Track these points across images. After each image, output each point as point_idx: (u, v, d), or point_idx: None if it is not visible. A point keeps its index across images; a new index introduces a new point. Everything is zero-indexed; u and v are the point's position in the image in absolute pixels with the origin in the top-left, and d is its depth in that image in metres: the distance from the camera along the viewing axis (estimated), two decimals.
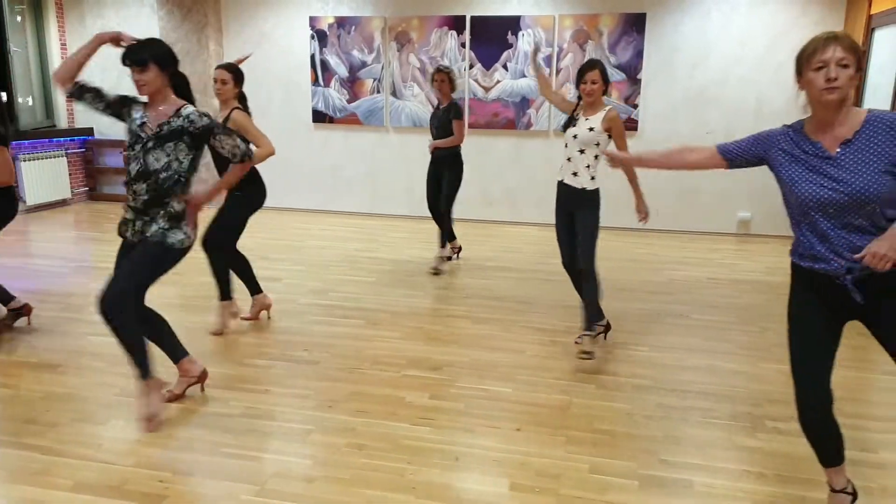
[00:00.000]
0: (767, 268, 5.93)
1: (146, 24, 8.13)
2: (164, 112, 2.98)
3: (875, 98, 5.85)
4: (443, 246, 5.79)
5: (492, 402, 3.35)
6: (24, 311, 4.29)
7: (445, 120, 5.50)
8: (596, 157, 3.82)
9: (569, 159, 3.89)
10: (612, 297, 4.83)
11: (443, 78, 5.42)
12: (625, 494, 2.60)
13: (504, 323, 4.47)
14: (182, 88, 3.10)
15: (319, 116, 7.93)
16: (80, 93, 3.03)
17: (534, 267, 5.86)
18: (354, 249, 6.39)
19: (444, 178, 5.69)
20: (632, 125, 7.08)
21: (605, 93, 3.94)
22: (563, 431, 3.07)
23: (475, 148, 7.15)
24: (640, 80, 7.05)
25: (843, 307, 2.17)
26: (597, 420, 3.18)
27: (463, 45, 7.35)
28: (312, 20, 7.72)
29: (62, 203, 8.38)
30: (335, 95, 7.83)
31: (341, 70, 7.75)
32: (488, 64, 7.31)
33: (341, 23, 7.64)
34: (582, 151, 3.83)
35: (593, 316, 3.93)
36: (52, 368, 3.68)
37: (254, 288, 4.41)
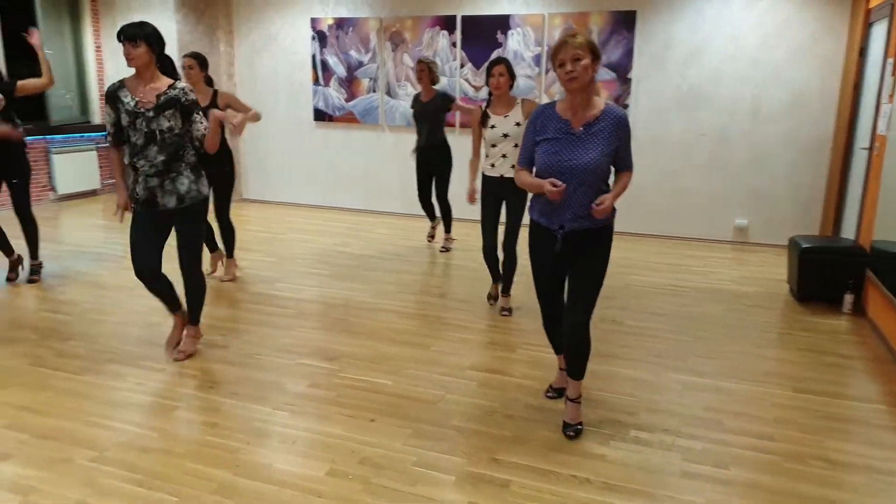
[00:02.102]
0: (742, 277, 5.68)
1: (166, 27, 8.57)
2: (157, 87, 3.38)
3: (871, 94, 5.48)
4: (448, 231, 6.28)
5: (364, 394, 3.40)
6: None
7: (436, 110, 5.66)
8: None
9: (504, 155, 4.28)
10: None
11: (422, 68, 5.56)
12: (433, 488, 2.60)
13: (429, 319, 4.49)
14: (168, 69, 3.49)
15: (320, 115, 8.14)
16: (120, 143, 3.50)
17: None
18: (329, 244, 6.54)
19: (435, 169, 5.89)
20: None
21: (511, 87, 4.15)
22: (415, 424, 3.08)
23: (466, 147, 7.15)
24: (630, 80, 6.88)
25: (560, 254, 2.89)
26: (457, 416, 3.17)
27: (454, 45, 7.38)
28: (314, 21, 7.94)
29: (92, 193, 8.94)
30: (334, 94, 8.01)
31: (340, 70, 7.93)
32: (479, 63, 7.31)
33: (340, 24, 7.82)
34: (516, 146, 4.16)
35: (509, 285, 4.60)
36: None
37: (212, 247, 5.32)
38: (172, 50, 8.57)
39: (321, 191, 8.38)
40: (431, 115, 5.80)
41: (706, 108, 6.76)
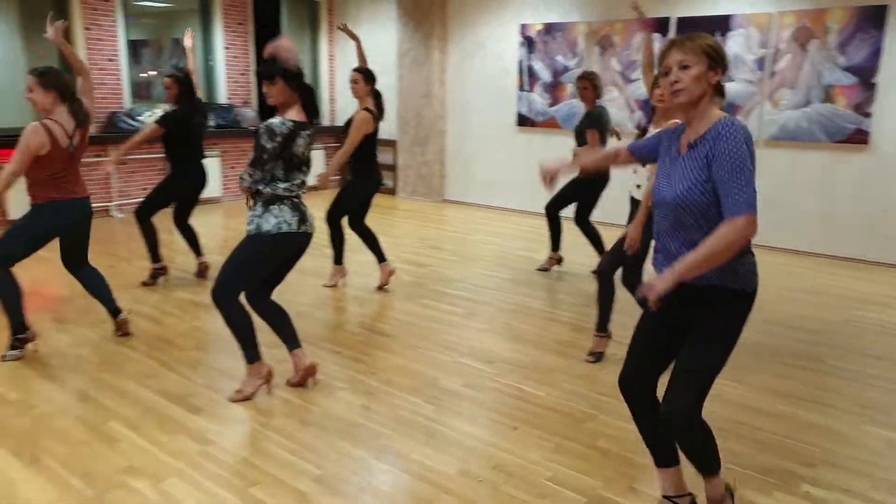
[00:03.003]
0: None
1: (389, 35, 9.21)
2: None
3: None
4: (601, 252, 5.61)
5: (514, 401, 3.37)
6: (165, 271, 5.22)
7: (581, 129, 5.28)
8: None
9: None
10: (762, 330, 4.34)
11: (585, 85, 5.24)
12: None
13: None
14: (308, 101, 3.29)
15: (523, 120, 8.21)
16: None
17: None
18: (515, 248, 6.57)
19: (578, 188, 5.42)
20: (861, 137, 6.10)
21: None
22: (558, 439, 2.99)
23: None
24: (875, 85, 6.02)
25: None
26: (603, 438, 3.03)
27: None
28: (523, 27, 8.03)
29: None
30: (538, 99, 8.03)
31: (545, 75, 7.93)
32: None
33: (548, 29, 7.82)
34: None
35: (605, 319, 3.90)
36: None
37: (379, 257, 5.10)
38: (391, 55, 9.19)
39: (519, 196, 8.45)
40: (579, 131, 5.37)
41: None
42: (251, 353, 3.35)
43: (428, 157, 8.96)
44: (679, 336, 2.19)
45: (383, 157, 9.67)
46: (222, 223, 7.70)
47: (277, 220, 3.20)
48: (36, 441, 2.89)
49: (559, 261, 5.79)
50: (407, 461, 2.80)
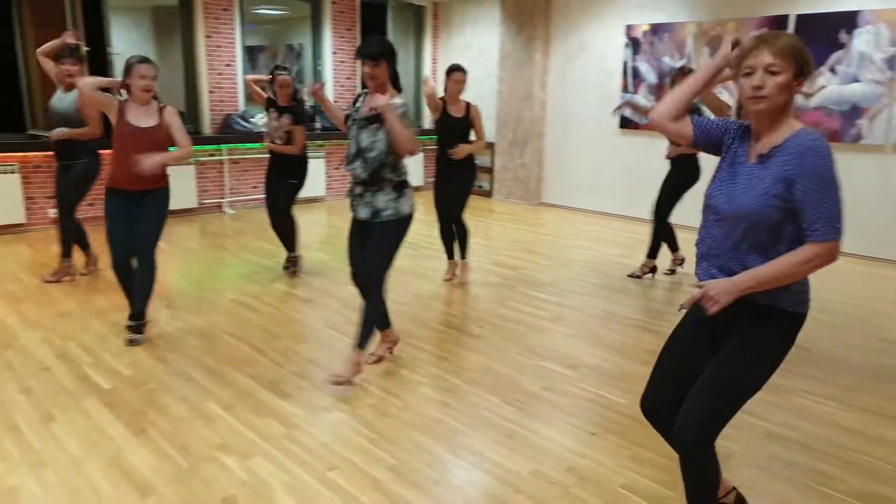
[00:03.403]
0: None
1: (491, 39, 9.27)
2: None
3: None
4: (675, 250, 5.72)
5: (594, 406, 3.32)
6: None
7: None
8: None
9: None
10: (879, 349, 4.08)
11: (679, 80, 5.12)
12: None
13: None
14: (395, 80, 3.45)
15: (625, 122, 8.03)
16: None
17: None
18: (611, 254, 6.44)
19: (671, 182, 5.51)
20: None
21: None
22: (636, 448, 2.93)
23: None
24: None
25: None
26: None
27: None
28: (628, 28, 7.85)
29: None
30: (643, 102, 7.83)
31: (651, 77, 7.72)
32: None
33: (655, 30, 7.61)
34: None
35: None
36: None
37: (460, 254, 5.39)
38: (493, 58, 9.25)
39: (619, 200, 8.27)
40: None
41: None
42: (385, 321, 3.74)
43: (526, 160, 8.94)
44: (713, 355, 2.03)
45: (481, 159, 9.76)
46: (325, 220, 8.01)
47: (410, 202, 3.49)
48: (144, 413, 3.14)
49: (653, 270, 5.62)
50: (481, 458, 2.83)
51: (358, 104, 3.47)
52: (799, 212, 1.82)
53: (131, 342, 3.97)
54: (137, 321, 4.03)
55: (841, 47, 6.34)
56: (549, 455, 2.86)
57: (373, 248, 3.47)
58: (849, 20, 6.26)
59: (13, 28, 6.88)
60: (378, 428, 3.06)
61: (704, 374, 2.00)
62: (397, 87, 3.42)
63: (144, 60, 3.83)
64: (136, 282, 3.99)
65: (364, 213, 3.43)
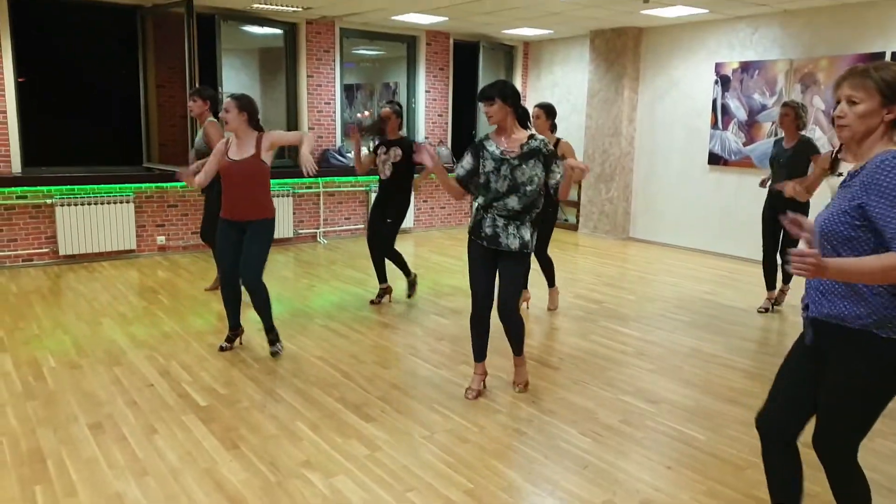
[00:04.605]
0: None
1: (580, 76, 9.39)
2: (517, 139, 3.62)
3: None
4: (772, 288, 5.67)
5: (672, 441, 3.31)
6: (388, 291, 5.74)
7: (795, 159, 5.10)
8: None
9: None
10: None
11: (787, 112, 5.07)
12: None
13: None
14: (522, 119, 3.74)
15: (714, 158, 7.91)
16: (468, 187, 3.77)
17: None
18: (698, 290, 6.32)
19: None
20: None
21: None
22: (712, 483, 2.91)
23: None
24: None
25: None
26: (763, 488, 2.83)
27: None
28: (718, 66, 7.77)
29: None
30: (731, 138, 7.71)
31: (740, 114, 7.59)
32: None
33: (745, 67, 7.50)
34: None
35: None
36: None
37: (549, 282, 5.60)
38: (581, 95, 9.34)
39: (708, 235, 8.10)
40: (790, 161, 5.14)
41: None
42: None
43: (612, 194, 8.92)
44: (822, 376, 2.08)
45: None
46: (412, 251, 8.27)
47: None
48: (236, 430, 3.38)
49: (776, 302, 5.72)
50: (555, 486, 2.88)
51: (491, 146, 3.65)
52: (878, 229, 1.85)
53: (274, 354, 4.42)
54: (270, 335, 4.47)
55: None
56: (623, 487, 2.87)
57: (513, 278, 3.71)
58: None
59: (138, 69, 7.59)
60: (456, 453, 3.16)
61: (819, 403, 2.09)
62: (524, 125, 3.72)
63: (229, 96, 4.27)
64: (254, 306, 4.39)
65: (515, 244, 3.62)
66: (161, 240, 7.53)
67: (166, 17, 7.18)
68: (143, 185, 7.36)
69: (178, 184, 6.95)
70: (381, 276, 5.71)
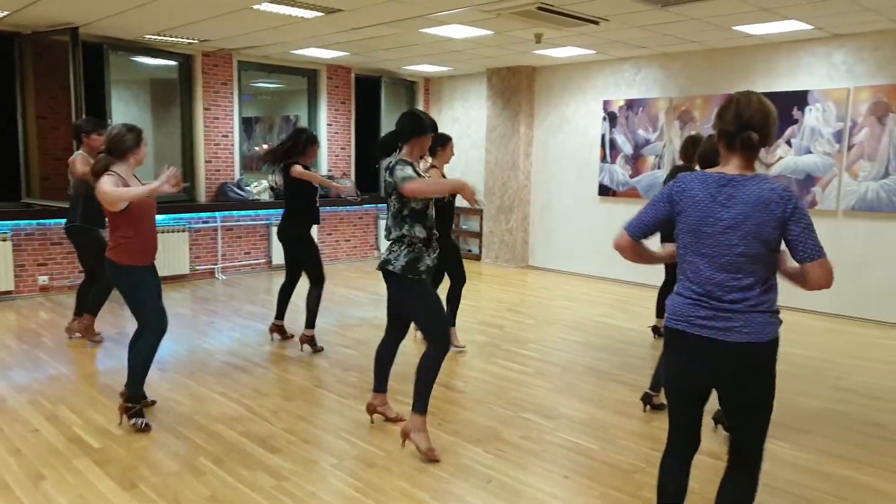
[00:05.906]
0: None
1: (479, 113, 9.75)
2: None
3: None
4: None
5: (568, 453, 3.49)
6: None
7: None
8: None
9: None
10: (833, 397, 4.26)
11: (685, 145, 5.43)
12: None
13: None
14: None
15: (604, 190, 8.40)
16: None
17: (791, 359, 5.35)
18: (592, 314, 6.66)
19: None
20: None
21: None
22: (604, 489, 3.10)
23: None
24: None
25: None
26: (648, 489, 3.01)
27: None
28: (606, 103, 8.31)
29: None
30: (619, 171, 8.23)
31: (627, 148, 8.14)
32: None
33: (630, 105, 8.07)
34: None
35: None
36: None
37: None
38: (481, 130, 9.69)
39: (601, 262, 8.54)
40: None
41: None
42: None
43: (512, 225, 9.26)
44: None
45: (470, 223, 10.08)
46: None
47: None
48: (135, 469, 3.26)
49: None
50: (462, 502, 2.97)
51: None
52: None
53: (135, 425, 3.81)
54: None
55: (795, 122, 6.78)
56: (524, 497, 3.01)
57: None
58: (800, 98, 6.73)
59: (15, 99, 7.18)
60: (364, 478, 3.20)
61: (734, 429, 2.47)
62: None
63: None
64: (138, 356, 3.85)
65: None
66: (43, 279, 7.13)
67: (49, 45, 6.91)
68: (22, 222, 6.97)
69: (62, 220, 6.57)
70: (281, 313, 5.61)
